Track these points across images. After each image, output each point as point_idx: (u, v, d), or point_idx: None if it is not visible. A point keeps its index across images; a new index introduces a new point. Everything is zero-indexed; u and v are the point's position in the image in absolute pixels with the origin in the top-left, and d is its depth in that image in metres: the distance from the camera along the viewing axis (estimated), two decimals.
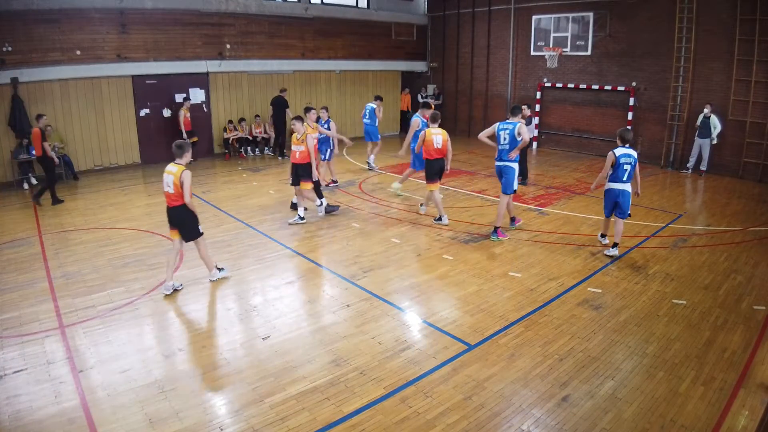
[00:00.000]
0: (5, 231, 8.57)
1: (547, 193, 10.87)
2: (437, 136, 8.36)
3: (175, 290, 6.30)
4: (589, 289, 6.34)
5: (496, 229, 8.08)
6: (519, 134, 7.65)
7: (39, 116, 9.93)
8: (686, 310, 5.78)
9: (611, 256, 7.28)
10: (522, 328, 5.43)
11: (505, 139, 7.80)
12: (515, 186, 8.00)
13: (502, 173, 7.95)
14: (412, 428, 3.95)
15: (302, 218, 8.90)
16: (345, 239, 8.10)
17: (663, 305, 5.91)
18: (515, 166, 7.88)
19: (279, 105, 14.50)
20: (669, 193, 10.95)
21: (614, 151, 6.96)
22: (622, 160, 6.92)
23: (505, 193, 7.96)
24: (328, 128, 10.60)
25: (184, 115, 13.54)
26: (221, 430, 3.94)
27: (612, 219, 7.37)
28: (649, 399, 4.26)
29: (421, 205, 9.45)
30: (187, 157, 6.13)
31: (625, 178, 6.99)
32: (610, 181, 7.09)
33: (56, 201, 10.18)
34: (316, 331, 5.39)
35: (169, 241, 7.98)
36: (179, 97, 13.93)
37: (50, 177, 9.97)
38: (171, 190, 6.01)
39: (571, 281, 6.55)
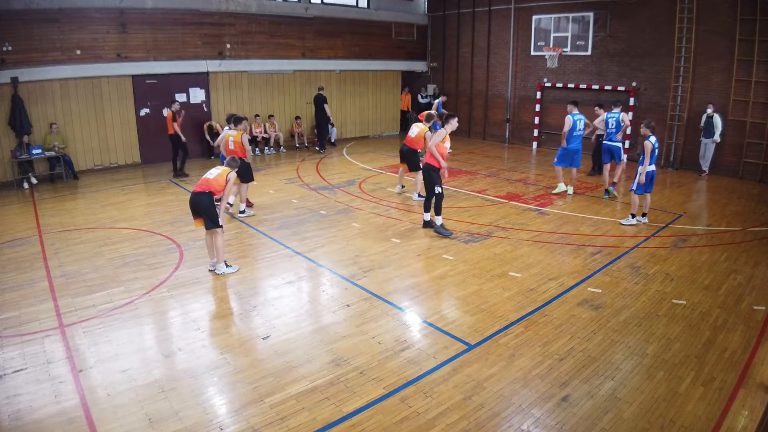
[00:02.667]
0: (5, 231, 8.57)
1: (547, 193, 10.86)
2: (415, 128, 9.97)
3: (228, 268, 6.85)
4: (589, 289, 6.34)
5: (614, 184, 10.51)
6: (623, 121, 10.03)
7: (172, 102, 12.29)
8: (686, 310, 5.78)
9: (645, 223, 8.74)
10: (522, 328, 5.43)
11: (612, 124, 10.05)
12: (623, 156, 10.58)
13: (611, 150, 10.18)
14: (412, 428, 3.95)
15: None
16: (345, 239, 8.10)
17: (663, 305, 5.91)
18: (620, 144, 10.22)
19: (318, 102, 15.36)
20: (669, 193, 10.94)
21: (649, 139, 8.18)
22: (656, 145, 8.31)
23: (618, 162, 10.40)
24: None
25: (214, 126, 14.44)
26: (221, 429, 3.94)
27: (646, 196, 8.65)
28: (649, 399, 4.26)
29: (402, 187, 10.81)
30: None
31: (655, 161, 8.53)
32: (649, 165, 8.28)
33: (182, 173, 12.43)
34: (316, 331, 5.39)
35: (169, 241, 8.02)
36: (180, 97, 13.99)
37: (183, 152, 12.37)
38: (211, 177, 6.59)
39: (571, 281, 6.55)
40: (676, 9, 12.39)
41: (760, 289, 6.32)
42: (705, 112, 11.98)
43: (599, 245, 7.79)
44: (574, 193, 10.69)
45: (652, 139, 8.17)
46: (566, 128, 10.04)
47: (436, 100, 14.93)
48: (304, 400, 4.27)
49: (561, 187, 10.75)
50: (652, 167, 8.30)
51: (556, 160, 10.59)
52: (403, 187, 10.82)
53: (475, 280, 6.59)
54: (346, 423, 4.00)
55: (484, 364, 4.78)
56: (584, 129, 10.20)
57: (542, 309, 5.84)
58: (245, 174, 8.85)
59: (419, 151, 9.94)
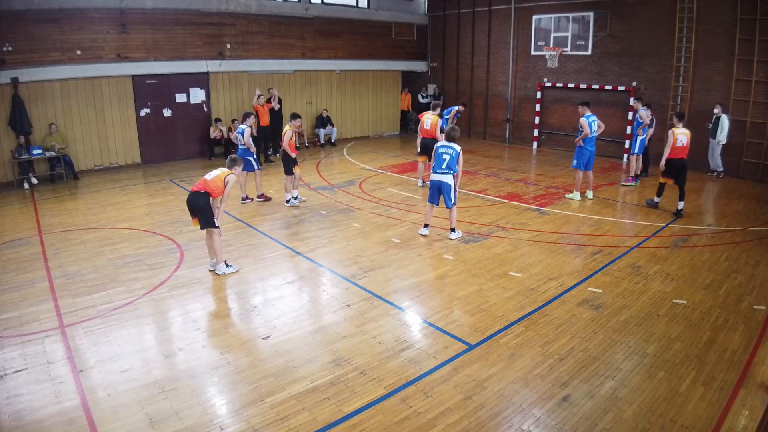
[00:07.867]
0: (5, 231, 8.57)
1: (547, 193, 10.86)
2: (428, 119, 10.68)
3: (228, 269, 6.87)
4: (589, 288, 6.34)
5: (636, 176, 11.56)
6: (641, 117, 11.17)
7: (259, 96, 13.57)
8: (686, 310, 5.78)
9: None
10: (522, 327, 5.43)
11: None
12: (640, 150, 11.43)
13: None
14: (412, 428, 3.95)
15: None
16: (345, 239, 8.10)
17: (663, 305, 5.91)
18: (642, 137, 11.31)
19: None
20: (669, 193, 10.90)
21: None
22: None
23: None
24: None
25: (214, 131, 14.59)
26: (221, 429, 3.94)
27: None
28: (649, 399, 4.26)
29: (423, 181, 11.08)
30: (238, 170, 6.85)
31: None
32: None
33: (267, 160, 13.91)
34: (317, 331, 5.39)
35: (169, 241, 8.02)
36: (180, 97, 14.00)
37: (266, 143, 13.95)
38: (209, 178, 6.55)
39: (571, 281, 6.55)
40: (676, 9, 12.39)
41: (761, 288, 6.32)
42: (713, 112, 11.75)
43: (599, 245, 7.79)
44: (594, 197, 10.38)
45: (457, 147, 7.70)
46: (586, 131, 9.77)
47: (455, 107, 14.25)
48: (304, 400, 4.27)
49: (576, 195, 10.27)
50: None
51: (575, 162, 10.11)
52: (424, 182, 10.98)
53: (475, 280, 6.59)
54: (346, 423, 4.00)
55: (485, 364, 4.78)
56: (598, 130, 9.99)
57: (542, 309, 5.84)
58: (286, 166, 9.75)
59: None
